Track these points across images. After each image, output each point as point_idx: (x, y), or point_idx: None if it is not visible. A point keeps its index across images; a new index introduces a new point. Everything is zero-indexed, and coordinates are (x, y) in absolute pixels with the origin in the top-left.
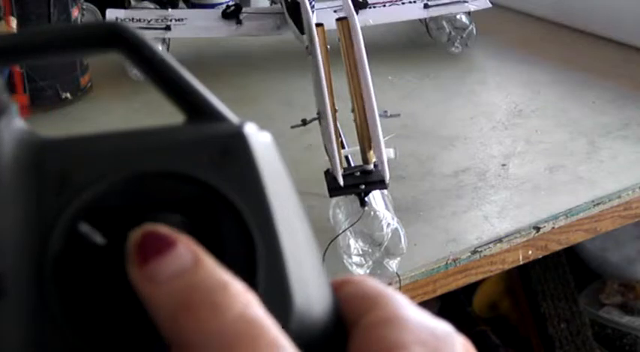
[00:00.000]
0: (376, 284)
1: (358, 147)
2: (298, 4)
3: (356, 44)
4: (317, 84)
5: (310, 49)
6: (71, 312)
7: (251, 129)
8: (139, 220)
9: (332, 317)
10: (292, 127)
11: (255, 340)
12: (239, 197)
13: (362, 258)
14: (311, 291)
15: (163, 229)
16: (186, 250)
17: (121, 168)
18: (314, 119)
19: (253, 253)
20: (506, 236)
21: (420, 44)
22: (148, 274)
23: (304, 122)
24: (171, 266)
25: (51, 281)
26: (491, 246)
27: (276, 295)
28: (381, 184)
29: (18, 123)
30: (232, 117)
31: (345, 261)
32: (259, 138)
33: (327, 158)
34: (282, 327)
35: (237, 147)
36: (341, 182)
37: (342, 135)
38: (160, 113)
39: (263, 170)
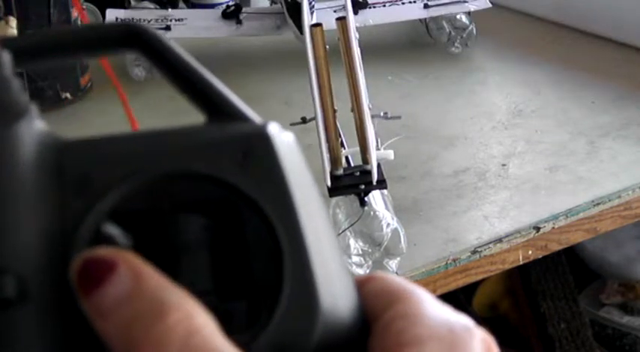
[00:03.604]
0: (399, 280)
1: (358, 147)
2: (298, 4)
3: (348, 44)
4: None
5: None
6: None
7: (274, 129)
8: (162, 222)
9: (356, 315)
10: (292, 125)
11: None
12: (263, 198)
13: (362, 258)
14: (336, 291)
15: (101, 252)
16: (127, 272)
17: (144, 170)
18: (313, 118)
19: (279, 254)
20: (506, 236)
21: (420, 44)
22: (94, 307)
23: (304, 120)
24: (113, 294)
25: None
26: (491, 246)
27: (303, 296)
28: (380, 184)
29: (38, 125)
30: (255, 117)
31: (344, 261)
32: (283, 138)
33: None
34: (309, 329)
35: (260, 147)
36: (328, 183)
37: (342, 136)
38: (160, 113)
39: (287, 170)
